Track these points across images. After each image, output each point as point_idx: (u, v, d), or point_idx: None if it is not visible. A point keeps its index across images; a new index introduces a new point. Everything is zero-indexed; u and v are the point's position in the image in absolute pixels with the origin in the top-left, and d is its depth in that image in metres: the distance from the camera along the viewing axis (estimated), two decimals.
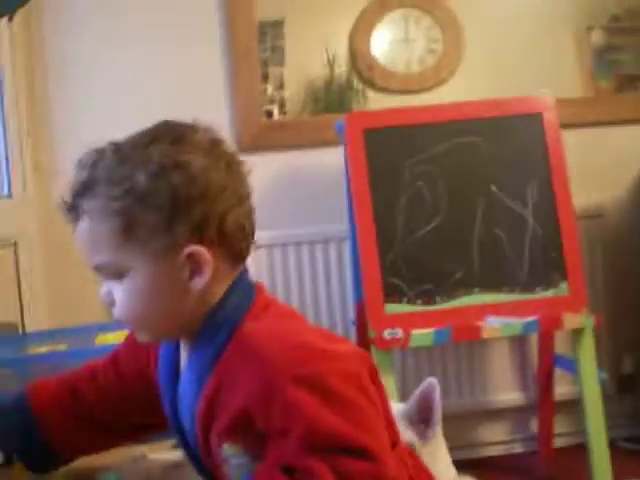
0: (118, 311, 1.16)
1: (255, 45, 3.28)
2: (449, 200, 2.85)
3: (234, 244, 1.15)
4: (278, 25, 3.38)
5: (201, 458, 1.19)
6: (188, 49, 3.23)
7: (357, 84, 3.38)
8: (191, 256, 1.10)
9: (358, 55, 3.37)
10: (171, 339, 1.23)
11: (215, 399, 1.12)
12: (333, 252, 3.20)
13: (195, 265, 1.11)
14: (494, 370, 3.37)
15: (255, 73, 3.27)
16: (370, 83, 3.39)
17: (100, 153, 1.14)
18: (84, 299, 3.14)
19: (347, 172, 2.88)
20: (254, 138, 3.24)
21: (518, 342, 3.37)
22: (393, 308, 2.75)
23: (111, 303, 1.16)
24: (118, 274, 1.13)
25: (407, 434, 1.49)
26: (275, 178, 3.24)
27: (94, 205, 1.11)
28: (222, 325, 1.13)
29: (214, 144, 1.16)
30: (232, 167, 1.15)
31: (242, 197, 1.16)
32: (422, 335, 2.71)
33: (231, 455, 1.11)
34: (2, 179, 2.94)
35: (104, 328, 1.88)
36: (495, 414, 3.40)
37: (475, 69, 3.40)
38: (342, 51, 3.39)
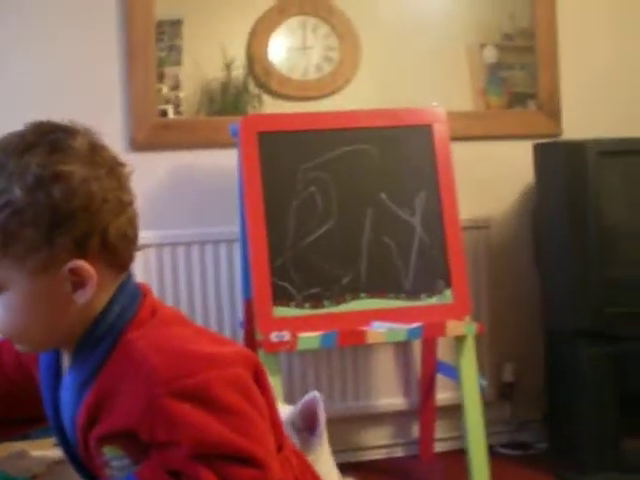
0: None
1: (152, 44, 3.26)
2: (340, 206, 2.89)
3: (118, 254, 1.11)
4: (176, 24, 3.36)
5: (82, 459, 1.18)
6: (83, 43, 3.19)
7: (253, 88, 3.39)
8: (73, 271, 1.07)
9: (255, 59, 3.39)
10: (47, 350, 1.19)
11: (96, 408, 1.10)
12: (223, 253, 3.21)
13: (78, 279, 1.08)
14: (378, 375, 3.41)
15: (151, 72, 3.26)
16: (266, 88, 3.41)
17: None
18: None
19: (240, 174, 2.89)
20: (148, 137, 3.22)
21: (402, 348, 3.42)
22: (281, 311, 2.77)
23: None
24: None
25: (292, 440, 1.51)
26: (168, 178, 3.23)
27: None
28: (105, 334, 1.11)
29: (94, 151, 1.10)
30: (113, 174, 1.11)
31: (124, 204, 1.11)
32: (309, 338, 2.73)
33: (112, 457, 1.10)
34: None
35: None
36: (378, 418, 3.44)
37: (370, 79, 3.45)
38: (240, 54, 3.39)
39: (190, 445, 1.02)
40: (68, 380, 1.16)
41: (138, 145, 3.19)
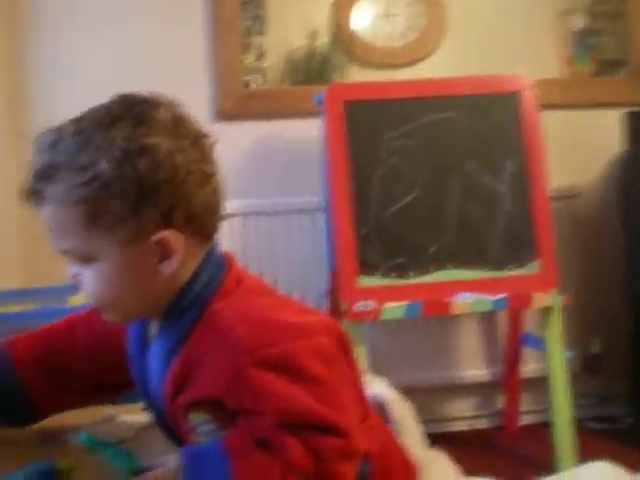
0: (87, 293, 1.14)
1: (237, 14, 3.27)
2: (425, 175, 2.86)
3: (203, 224, 1.13)
4: None
5: (169, 424, 1.20)
6: (170, 16, 3.22)
7: (337, 57, 3.38)
8: (160, 242, 1.09)
9: (339, 28, 3.37)
10: (137, 320, 1.22)
11: (182, 377, 1.11)
12: (307, 223, 3.21)
13: (164, 250, 1.09)
14: (462, 346, 3.40)
15: (237, 42, 3.26)
16: (351, 56, 3.39)
17: (59, 134, 1.09)
18: (57, 262, 3.14)
19: (325, 144, 2.88)
20: (233, 107, 3.24)
21: (487, 319, 3.40)
22: (366, 281, 2.76)
23: (79, 285, 1.15)
24: (86, 259, 1.10)
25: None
26: (253, 147, 3.25)
27: (57, 192, 1.07)
28: (191, 304, 1.13)
29: (177, 122, 1.12)
30: (197, 145, 1.12)
31: (208, 175, 1.13)
32: (394, 308, 2.73)
33: (198, 423, 1.11)
34: None
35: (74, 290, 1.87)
36: (462, 389, 3.43)
37: (456, 46, 3.41)
38: (323, 23, 3.38)
39: (275, 414, 1.02)
40: (155, 348, 1.18)
41: (224, 115, 3.21)
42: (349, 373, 1.13)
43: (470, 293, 2.78)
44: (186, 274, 1.13)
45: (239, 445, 1.04)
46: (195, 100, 3.13)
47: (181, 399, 1.12)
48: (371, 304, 2.70)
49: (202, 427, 1.11)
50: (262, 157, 3.25)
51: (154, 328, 1.20)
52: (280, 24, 3.37)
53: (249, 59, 3.34)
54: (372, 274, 2.77)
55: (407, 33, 3.42)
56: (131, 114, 1.09)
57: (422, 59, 3.40)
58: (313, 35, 3.34)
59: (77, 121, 1.10)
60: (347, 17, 3.37)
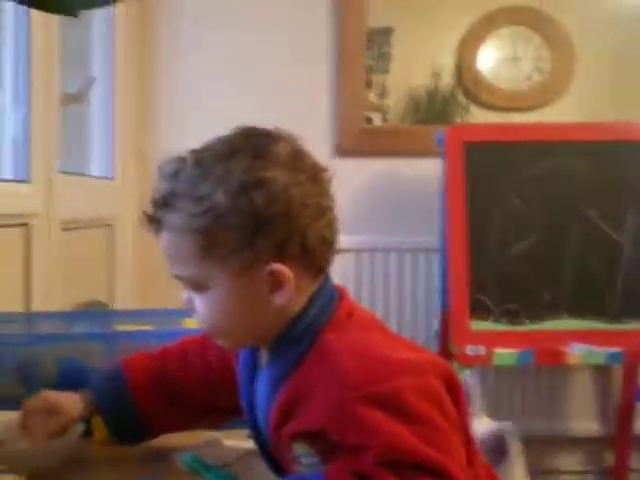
0: (199, 320, 1.16)
1: (363, 51, 3.29)
2: (544, 221, 2.82)
3: (316, 257, 1.12)
4: (387, 32, 3.38)
5: (272, 452, 1.20)
6: (297, 50, 3.26)
7: (461, 97, 3.37)
8: (272, 273, 1.09)
9: (464, 69, 3.36)
10: (247, 346, 1.23)
11: (289, 406, 1.11)
12: (422, 263, 3.20)
13: (276, 281, 1.10)
14: (574, 397, 3.32)
15: (360, 79, 3.28)
16: (474, 98, 3.38)
17: (181, 164, 1.12)
18: (172, 285, 3.20)
19: (443, 184, 2.87)
20: (353, 143, 3.25)
21: (601, 371, 3.31)
22: (478, 325, 2.72)
23: (192, 310, 1.17)
24: (199, 287, 1.13)
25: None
26: (371, 184, 3.25)
27: (175, 220, 1.10)
28: (302, 334, 1.13)
29: (296, 157, 1.12)
30: (314, 180, 1.12)
31: (324, 209, 1.12)
32: (505, 355, 2.68)
33: (301, 454, 1.10)
34: (106, 162, 3.00)
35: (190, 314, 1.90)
36: (570, 442, 3.34)
37: (583, 91, 3.36)
38: (448, 63, 3.38)
39: (378, 451, 1.01)
40: (264, 376, 1.18)
41: (343, 151, 3.22)
42: (456, 415, 1.11)
43: (584, 344, 2.72)
44: (297, 305, 1.13)
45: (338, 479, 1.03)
46: (315, 134, 3.19)
47: (286, 429, 1.11)
48: (482, 348, 2.66)
49: (304, 459, 1.10)
50: (379, 194, 3.25)
51: (264, 356, 1.20)
52: (404, 62, 3.38)
53: (371, 96, 3.36)
54: (484, 318, 2.73)
55: (533, 76, 3.39)
56: (251, 147, 1.10)
57: (547, 103, 3.36)
58: (437, 74, 3.34)
59: (199, 152, 1.12)
60: (473, 58, 3.37)
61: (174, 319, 1.87)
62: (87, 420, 1.42)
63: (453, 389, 1.12)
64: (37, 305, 2.16)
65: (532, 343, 2.71)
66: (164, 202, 1.11)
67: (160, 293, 3.25)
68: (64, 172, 2.42)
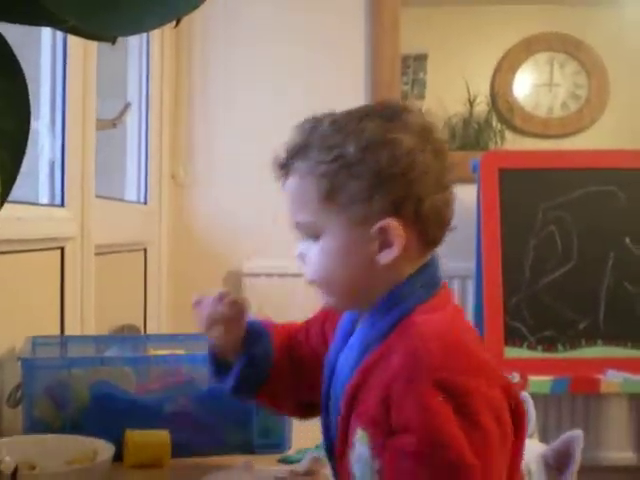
0: (308, 270, 1.20)
1: (398, 78, 3.29)
2: (580, 248, 2.80)
3: (427, 228, 1.16)
4: (422, 59, 3.39)
5: (334, 444, 1.20)
6: (329, 76, 3.27)
7: (496, 124, 3.36)
8: (383, 229, 1.12)
9: (499, 95, 3.36)
10: (349, 308, 1.25)
11: (368, 376, 1.12)
12: (456, 288, 3.18)
13: (386, 238, 1.13)
14: (609, 426, 3.28)
15: None
16: (509, 124, 3.37)
17: (318, 120, 1.20)
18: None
19: (478, 210, 2.86)
20: None
21: (637, 399, 3.27)
22: (512, 352, 2.71)
23: (303, 262, 1.21)
24: (314, 234, 1.18)
25: (540, 476, 1.48)
26: None
27: (304, 166, 1.17)
28: (396, 306, 1.15)
29: (425, 129, 1.17)
30: (438, 155, 1.16)
31: (442, 185, 1.16)
32: (540, 382, 2.66)
33: (358, 440, 1.11)
34: (140, 187, 3.02)
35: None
36: (605, 470, 3.30)
37: (618, 118, 3.34)
38: (483, 90, 3.37)
39: (420, 437, 1.02)
40: (353, 340, 1.21)
41: None
42: (511, 437, 1.10)
43: (620, 372, 2.69)
44: (399, 276, 1.16)
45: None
46: None
47: (359, 404, 1.12)
48: (516, 375, 2.64)
49: (359, 446, 1.11)
50: None
51: (359, 324, 1.22)
52: (439, 88, 3.38)
53: None
54: (519, 345, 2.71)
55: (569, 103, 3.38)
56: (385, 112, 1.17)
57: (582, 130, 3.35)
58: (472, 101, 3.34)
59: (335, 114, 1.19)
60: (508, 84, 3.36)
61: (206, 344, 1.88)
62: (118, 444, 1.42)
63: (517, 413, 1.11)
64: (71, 328, 2.17)
65: (567, 371, 2.69)
66: (296, 150, 1.18)
67: (192, 318, 3.28)
68: (99, 197, 2.44)
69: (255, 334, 1.35)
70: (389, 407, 1.06)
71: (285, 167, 1.20)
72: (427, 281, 1.18)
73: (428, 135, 1.16)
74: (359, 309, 1.22)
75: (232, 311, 1.32)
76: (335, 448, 1.20)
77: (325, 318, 1.36)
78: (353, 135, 1.14)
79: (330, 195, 1.14)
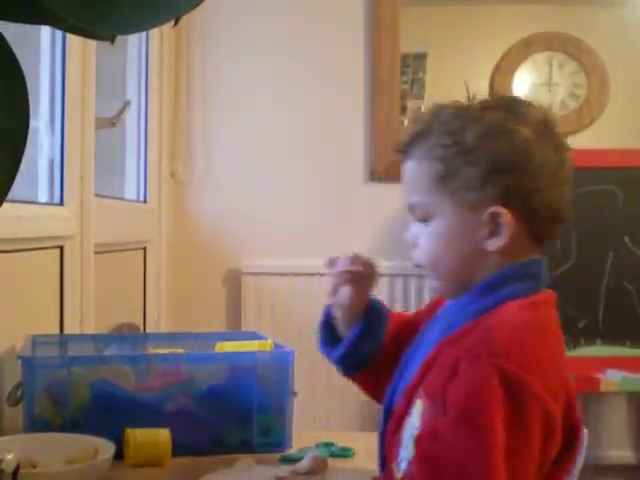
0: (417, 253, 1.24)
1: (397, 77, 3.29)
2: (579, 248, 2.80)
3: (537, 222, 1.17)
4: (421, 58, 3.39)
5: (392, 411, 1.22)
6: (331, 75, 3.27)
7: None
8: (494, 216, 1.15)
9: (499, 95, 3.35)
10: (451, 294, 1.25)
11: (445, 349, 1.13)
12: None
13: (495, 226, 1.15)
14: (608, 425, 3.28)
15: (395, 104, 3.28)
16: None
17: (440, 107, 1.22)
18: (203, 308, 3.22)
19: None
20: (388, 168, 3.24)
21: (637, 399, 3.27)
22: None
23: (413, 245, 1.25)
24: (426, 217, 1.21)
25: None
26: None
27: (422, 149, 1.20)
28: (491, 293, 1.16)
29: (545, 124, 1.19)
30: (557, 151, 1.18)
31: (559, 181, 1.18)
32: None
33: (415, 409, 1.13)
34: (140, 185, 3.02)
35: (223, 337, 1.91)
36: (603, 470, 3.30)
37: (617, 117, 3.34)
38: (483, 89, 3.37)
39: (456, 416, 1.03)
40: (441, 313, 1.25)
41: (377, 176, 3.22)
42: (555, 446, 1.10)
43: (619, 371, 2.70)
44: (504, 264, 1.17)
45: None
46: (349, 159, 3.19)
47: (428, 378, 1.13)
48: None
49: (414, 418, 1.13)
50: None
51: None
52: (439, 88, 3.38)
53: (405, 122, 3.36)
54: None
55: (567, 102, 3.37)
56: (507, 104, 1.20)
57: (581, 129, 3.35)
58: (471, 100, 3.33)
59: (457, 102, 1.22)
60: (508, 84, 3.36)
61: (205, 343, 1.88)
62: (118, 443, 1.42)
63: (572, 434, 1.16)
64: (70, 327, 2.17)
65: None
66: (417, 135, 1.21)
67: (192, 317, 3.29)
68: (99, 195, 2.44)
69: (375, 309, 1.37)
70: (451, 384, 1.07)
71: (405, 151, 1.23)
72: (528, 277, 1.18)
73: (548, 130, 1.18)
74: (459, 295, 1.23)
75: (367, 269, 1.34)
76: (391, 416, 1.21)
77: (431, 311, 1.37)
78: (473, 122, 1.17)
79: (444, 179, 1.17)
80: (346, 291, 1.33)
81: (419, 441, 1.08)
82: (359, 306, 1.34)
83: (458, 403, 1.04)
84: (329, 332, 1.39)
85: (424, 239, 1.22)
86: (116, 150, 3.01)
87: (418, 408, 1.12)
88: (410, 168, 1.22)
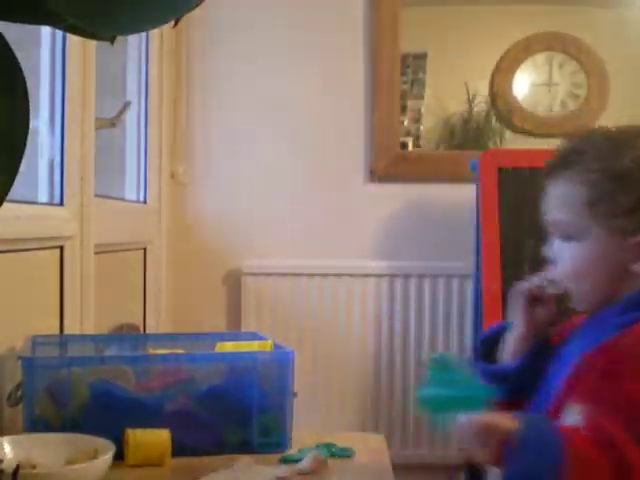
0: (560, 270, 1.26)
1: (397, 77, 3.29)
2: None
3: None
4: (421, 58, 3.39)
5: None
6: (331, 75, 3.27)
7: (495, 123, 3.36)
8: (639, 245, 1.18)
9: (498, 95, 3.35)
10: (590, 309, 1.28)
11: (591, 363, 1.16)
12: (455, 288, 3.18)
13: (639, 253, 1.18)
14: None
15: (395, 105, 3.28)
16: (508, 124, 3.37)
17: (592, 132, 1.28)
18: (203, 308, 3.22)
19: (477, 209, 2.85)
20: (387, 168, 3.24)
21: None
22: None
23: (552, 260, 1.28)
24: (568, 235, 1.23)
25: None
26: (405, 209, 3.24)
27: (573, 171, 1.23)
28: (632, 310, 1.19)
29: None
30: None
31: None
32: None
33: (570, 411, 1.15)
34: (140, 186, 3.02)
35: (223, 337, 1.91)
36: None
37: (617, 117, 3.34)
38: (482, 89, 3.37)
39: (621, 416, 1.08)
40: (582, 332, 1.27)
41: (377, 176, 3.22)
42: None
43: None
44: None
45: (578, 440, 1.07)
46: (349, 160, 3.19)
47: (580, 384, 1.16)
48: None
49: (570, 417, 1.15)
50: (413, 220, 3.24)
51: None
52: (439, 88, 3.38)
53: (405, 122, 3.36)
54: None
55: (567, 102, 3.37)
56: None
57: (582, 129, 3.34)
58: (471, 100, 3.34)
59: (609, 128, 1.28)
60: (507, 84, 3.36)
61: (205, 343, 1.89)
62: (118, 443, 1.42)
63: None
64: (70, 328, 2.17)
65: None
66: (568, 155, 1.26)
67: (192, 317, 3.28)
68: (99, 196, 2.44)
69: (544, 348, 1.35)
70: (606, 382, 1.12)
71: (553, 170, 1.27)
72: None
73: None
74: (597, 310, 1.26)
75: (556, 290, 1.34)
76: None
77: None
78: (626, 149, 1.19)
79: (594, 203, 1.19)
80: (539, 310, 1.35)
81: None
82: (544, 322, 1.36)
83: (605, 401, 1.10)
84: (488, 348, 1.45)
85: (569, 258, 1.24)
86: (116, 150, 3.00)
87: (574, 409, 1.14)
88: (557, 187, 1.25)
